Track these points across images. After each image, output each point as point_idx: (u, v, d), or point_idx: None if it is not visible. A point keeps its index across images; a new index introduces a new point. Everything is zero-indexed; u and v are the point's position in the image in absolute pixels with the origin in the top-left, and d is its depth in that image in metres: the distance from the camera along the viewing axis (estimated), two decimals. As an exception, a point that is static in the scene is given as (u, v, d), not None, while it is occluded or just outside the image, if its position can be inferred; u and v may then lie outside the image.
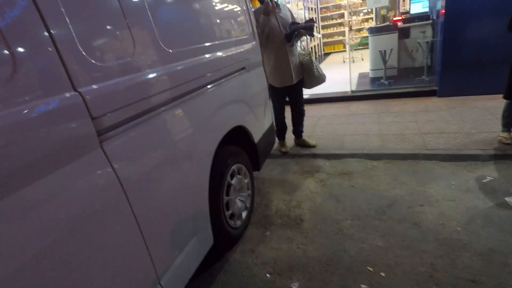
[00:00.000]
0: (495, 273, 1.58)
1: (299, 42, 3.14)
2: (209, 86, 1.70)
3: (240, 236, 2.14)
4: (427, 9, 5.79)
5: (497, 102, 2.96)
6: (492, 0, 3.67)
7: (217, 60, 1.83)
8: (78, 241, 0.93)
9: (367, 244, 1.91)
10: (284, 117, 3.29)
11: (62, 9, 0.94)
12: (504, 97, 2.68)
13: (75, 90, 0.95)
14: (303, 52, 3.16)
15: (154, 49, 1.33)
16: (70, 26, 0.96)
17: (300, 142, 3.46)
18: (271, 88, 3.01)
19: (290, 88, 3.09)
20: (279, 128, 3.33)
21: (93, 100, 0.99)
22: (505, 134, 2.78)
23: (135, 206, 1.14)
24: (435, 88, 4.53)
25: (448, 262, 1.69)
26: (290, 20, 2.96)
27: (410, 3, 6.43)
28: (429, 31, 5.49)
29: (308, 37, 2.93)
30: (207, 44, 1.74)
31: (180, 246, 1.44)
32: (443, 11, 4.08)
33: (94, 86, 1.02)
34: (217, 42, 1.85)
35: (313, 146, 3.39)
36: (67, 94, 0.93)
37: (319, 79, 3.14)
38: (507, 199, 2.10)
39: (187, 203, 1.50)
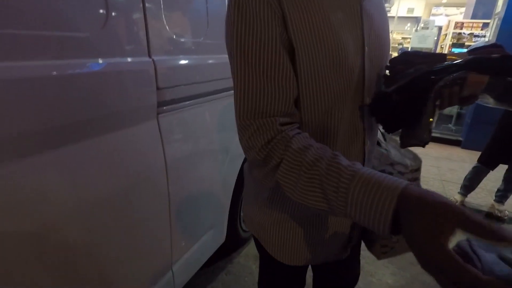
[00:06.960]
0: None
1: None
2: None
3: (247, 240, 2.09)
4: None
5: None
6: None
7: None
8: (116, 204, 0.91)
9: (376, 279, 1.85)
10: None
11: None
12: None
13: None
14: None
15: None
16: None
17: None
18: None
19: None
20: None
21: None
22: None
23: (172, 184, 1.11)
24: (461, 139, 4.48)
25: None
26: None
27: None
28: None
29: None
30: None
31: (198, 236, 1.41)
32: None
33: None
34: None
35: None
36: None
37: None
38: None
39: (214, 193, 1.48)
